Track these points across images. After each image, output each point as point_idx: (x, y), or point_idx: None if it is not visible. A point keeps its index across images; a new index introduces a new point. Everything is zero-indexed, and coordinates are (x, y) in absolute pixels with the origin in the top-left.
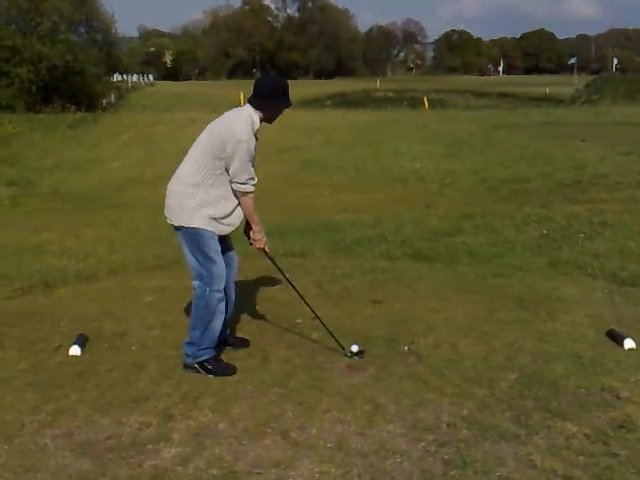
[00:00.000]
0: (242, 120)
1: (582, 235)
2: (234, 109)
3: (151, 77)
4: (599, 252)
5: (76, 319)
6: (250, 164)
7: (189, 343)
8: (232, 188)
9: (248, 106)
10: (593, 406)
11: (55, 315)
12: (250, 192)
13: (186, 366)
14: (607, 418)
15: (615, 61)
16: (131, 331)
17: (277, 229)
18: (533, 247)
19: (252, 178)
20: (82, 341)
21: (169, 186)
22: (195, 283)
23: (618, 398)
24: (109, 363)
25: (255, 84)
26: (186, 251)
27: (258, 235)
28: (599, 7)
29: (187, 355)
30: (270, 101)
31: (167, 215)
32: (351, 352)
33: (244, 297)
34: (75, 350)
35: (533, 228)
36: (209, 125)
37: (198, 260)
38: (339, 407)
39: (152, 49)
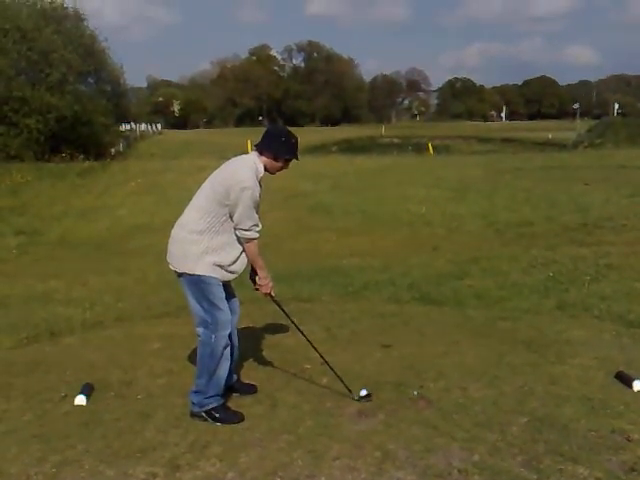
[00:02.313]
0: (247, 167)
1: (588, 277)
2: (239, 156)
3: (159, 126)
4: (606, 294)
5: (82, 368)
6: (254, 211)
7: (196, 392)
8: (236, 235)
9: (253, 153)
10: (604, 449)
11: (61, 364)
12: (254, 239)
13: (193, 415)
14: (618, 461)
15: (616, 106)
16: (137, 379)
17: (285, 274)
18: (540, 290)
19: (256, 225)
20: (88, 390)
21: (173, 233)
22: (200, 330)
23: (629, 440)
24: (115, 412)
25: (265, 133)
26: (190, 298)
27: (264, 280)
28: (599, 54)
29: (194, 404)
30: (274, 151)
31: (170, 261)
32: (359, 396)
33: (252, 343)
34: (81, 400)
35: (540, 271)
36: (214, 172)
37: (203, 307)
38: (349, 454)
39: (160, 99)
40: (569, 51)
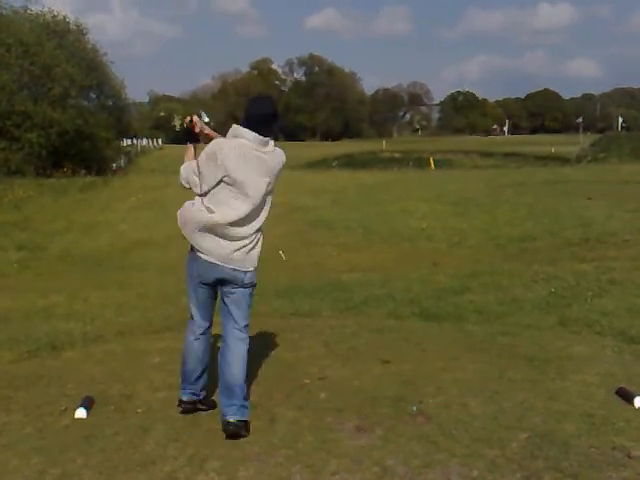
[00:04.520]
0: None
1: (590, 293)
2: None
3: (160, 141)
4: (608, 310)
5: (83, 382)
6: None
7: (245, 399)
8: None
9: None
10: (604, 465)
11: (62, 378)
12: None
13: (242, 428)
14: (619, 478)
15: (620, 120)
16: (137, 393)
17: (286, 289)
18: (542, 305)
19: None
20: (88, 404)
21: (238, 231)
22: (246, 336)
23: (629, 457)
24: (115, 426)
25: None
26: (244, 303)
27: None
28: (603, 67)
29: (245, 407)
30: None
31: (239, 265)
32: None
33: (251, 358)
34: (81, 413)
35: (541, 286)
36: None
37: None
38: (347, 469)
39: (162, 114)
40: (572, 64)
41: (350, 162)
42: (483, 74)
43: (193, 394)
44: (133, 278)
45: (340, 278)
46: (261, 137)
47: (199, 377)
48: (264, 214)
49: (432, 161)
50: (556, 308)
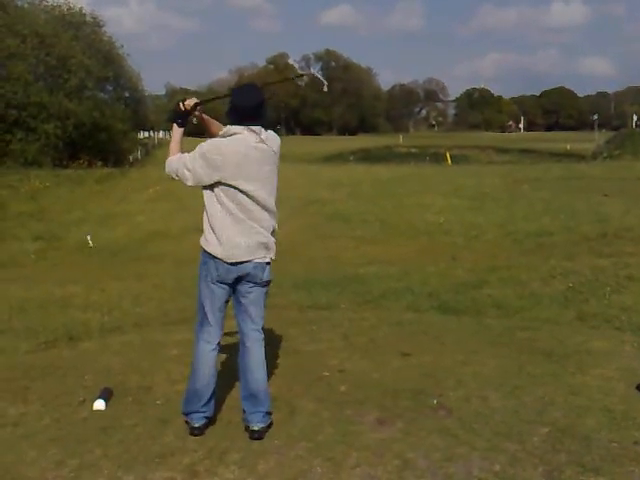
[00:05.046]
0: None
1: (609, 288)
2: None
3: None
4: (626, 305)
5: (100, 373)
6: None
7: (270, 404)
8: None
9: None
10: (626, 460)
11: (79, 369)
12: None
13: (264, 430)
14: None
15: (635, 118)
16: (156, 385)
17: (303, 281)
18: (560, 300)
19: None
20: (106, 395)
21: (263, 223)
22: (262, 336)
23: None
24: (134, 418)
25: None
26: (262, 302)
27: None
28: (616, 65)
29: (270, 414)
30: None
31: (263, 255)
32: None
33: (269, 350)
34: (99, 404)
35: (559, 281)
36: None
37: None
38: (368, 462)
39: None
40: (586, 62)
41: (367, 156)
42: (498, 71)
43: (206, 417)
44: (149, 269)
45: (357, 271)
46: (255, 127)
47: (212, 394)
48: (273, 200)
49: (449, 156)
50: (574, 303)
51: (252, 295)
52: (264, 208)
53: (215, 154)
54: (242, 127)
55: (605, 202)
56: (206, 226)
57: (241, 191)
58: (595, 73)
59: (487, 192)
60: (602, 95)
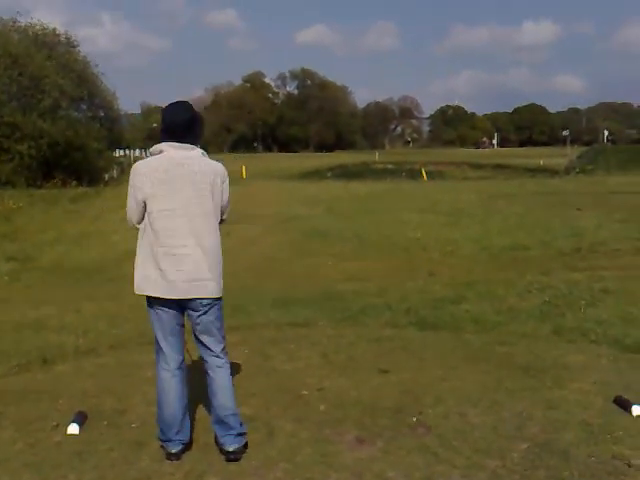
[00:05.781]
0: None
1: (584, 302)
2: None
3: None
4: (602, 319)
5: (75, 396)
6: None
7: (241, 426)
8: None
9: (197, 149)
10: (605, 475)
11: (53, 392)
12: None
13: (238, 454)
14: None
15: (606, 133)
16: (132, 408)
17: (281, 299)
18: (536, 314)
19: None
20: (81, 419)
21: (199, 255)
22: (225, 358)
23: (629, 466)
24: (109, 442)
25: (191, 121)
26: (219, 324)
27: None
28: (587, 82)
29: (243, 435)
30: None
31: (199, 292)
32: None
33: (247, 370)
34: (73, 429)
35: (535, 295)
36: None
37: (222, 328)
38: None
39: (154, 125)
40: (557, 79)
41: (344, 173)
42: (471, 88)
43: (183, 443)
44: (125, 289)
45: (336, 288)
46: (183, 144)
47: (183, 418)
48: (211, 225)
49: (424, 172)
50: (551, 317)
51: (200, 325)
52: (192, 232)
53: (137, 175)
54: (168, 144)
55: (579, 216)
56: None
57: (163, 210)
58: (566, 90)
59: (463, 208)
60: (574, 111)
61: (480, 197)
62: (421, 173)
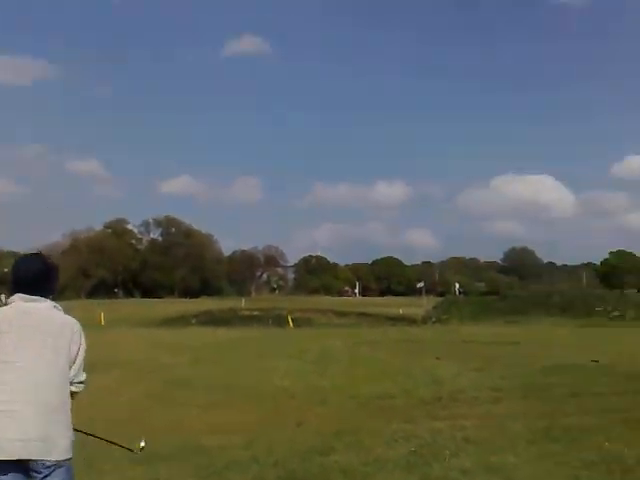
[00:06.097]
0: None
1: (448, 452)
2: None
3: (3, 297)
4: (466, 468)
5: None
6: None
7: None
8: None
9: (48, 302)
10: None
11: None
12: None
13: None
14: None
15: (457, 285)
16: None
17: (142, 455)
18: (403, 465)
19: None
20: None
21: (36, 416)
22: None
23: None
24: None
25: (41, 274)
26: None
27: None
28: (437, 238)
29: None
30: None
31: (32, 454)
32: (141, 448)
33: None
34: None
35: (401, 445)
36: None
37: None
38: None
39: (6, 270)
40: (411, 235)
41: (210, 319)
42: (332, 240)
43: None
44: None
45: (200, 441)
46: (33, 297)
47: None
48: (53, 381)
49: (291, 319)
50: (417, 467)
51: None
52: (28, 387)
53: None
54: (18, 296)
55: (438, 365)
56: None
57: (6, 362)
58: (420, 244)
59: (329, 354)
60: (427, 264)
61: (345, 344)
62: (287, 320)
